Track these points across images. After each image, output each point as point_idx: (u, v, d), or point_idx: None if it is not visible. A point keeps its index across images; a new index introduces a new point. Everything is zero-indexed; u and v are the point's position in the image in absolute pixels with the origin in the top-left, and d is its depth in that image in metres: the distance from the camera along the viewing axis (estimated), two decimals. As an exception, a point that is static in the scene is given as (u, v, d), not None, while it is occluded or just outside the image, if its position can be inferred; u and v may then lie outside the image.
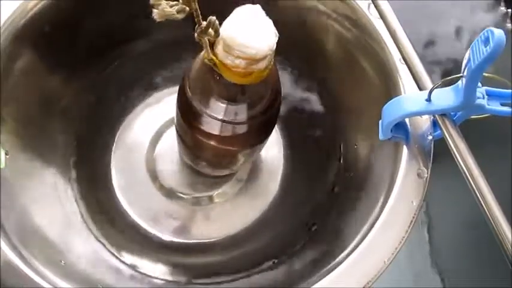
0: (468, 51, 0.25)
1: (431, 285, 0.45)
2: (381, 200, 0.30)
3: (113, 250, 0.38)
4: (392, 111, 0.29)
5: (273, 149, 0.41)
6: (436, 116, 0.28)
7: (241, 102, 0.27)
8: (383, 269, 0.27)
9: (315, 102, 0.42)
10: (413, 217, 0.28)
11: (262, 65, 0.24)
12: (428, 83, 0.29)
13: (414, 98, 0.28)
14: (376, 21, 0.34)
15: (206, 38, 0.23)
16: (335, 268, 0.28)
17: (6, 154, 0.33)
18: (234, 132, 0.29)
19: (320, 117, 0.41)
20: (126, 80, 0.42)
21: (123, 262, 0.37)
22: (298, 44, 0.42)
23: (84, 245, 0.37)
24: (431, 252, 0.46)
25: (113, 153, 0.41)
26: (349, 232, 0.31)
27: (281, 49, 0.42)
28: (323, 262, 0.30)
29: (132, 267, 0.37)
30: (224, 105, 0.27)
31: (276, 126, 0.41)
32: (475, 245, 0.46)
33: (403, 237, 0.28)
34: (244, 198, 0.40)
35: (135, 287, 0.37)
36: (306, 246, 0.37)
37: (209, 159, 0.37)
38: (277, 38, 0.23)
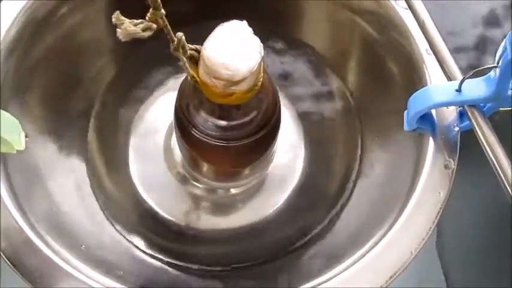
0: (504, 41, 0.25)
1: (437, 286, 0.45)
2: (406, 191, 0.30)
3: (127, 235, 0.37)
4: (419, 101, 0.29)
5: (294, 142, 0.41)
6: (465, 107, 0.28)
7: (232, 120, 0.26)
8: (410, 259, 0.27)
9: (337, 94, 0.41)
10: (440, 207, 0.28)
11: (243, 86, 0.22)
12: (457, 73, 0.29)
13: (443, 88, 0.28)
14: (403, 12, 0.33)
15: (182, 55, 0.21)
16: (360, 259, 0.28)
17: (26, 137, 0.32)
18: (228, 151, 0.28)
19: (341, 108, 0.41)
20: (149, 63, 0.42)
21: (138, 247, 0.37)
22: (320, 39, 0.42)
23: (101, 230, 0.37)
24: (439, 253, 0.46)
25: (130, 138, 0.41)
26: (374, 223, 0.31)
27: (303, 44, 0.42)
28: (346, 254, 0.30)
29: (147, 252, 0.37)
30: (214, 123, 0.26)
31: (298, 120, 0.41)
32: (484, 247, 0.45)
33: (430, 227, 0.28)
34: (262, 189, 0.40)
35: (150, 273, 0.36)
36: (327, 238, 0.37)
37: (210, 174, 0.36)
38: (260, 58, 0.22)
